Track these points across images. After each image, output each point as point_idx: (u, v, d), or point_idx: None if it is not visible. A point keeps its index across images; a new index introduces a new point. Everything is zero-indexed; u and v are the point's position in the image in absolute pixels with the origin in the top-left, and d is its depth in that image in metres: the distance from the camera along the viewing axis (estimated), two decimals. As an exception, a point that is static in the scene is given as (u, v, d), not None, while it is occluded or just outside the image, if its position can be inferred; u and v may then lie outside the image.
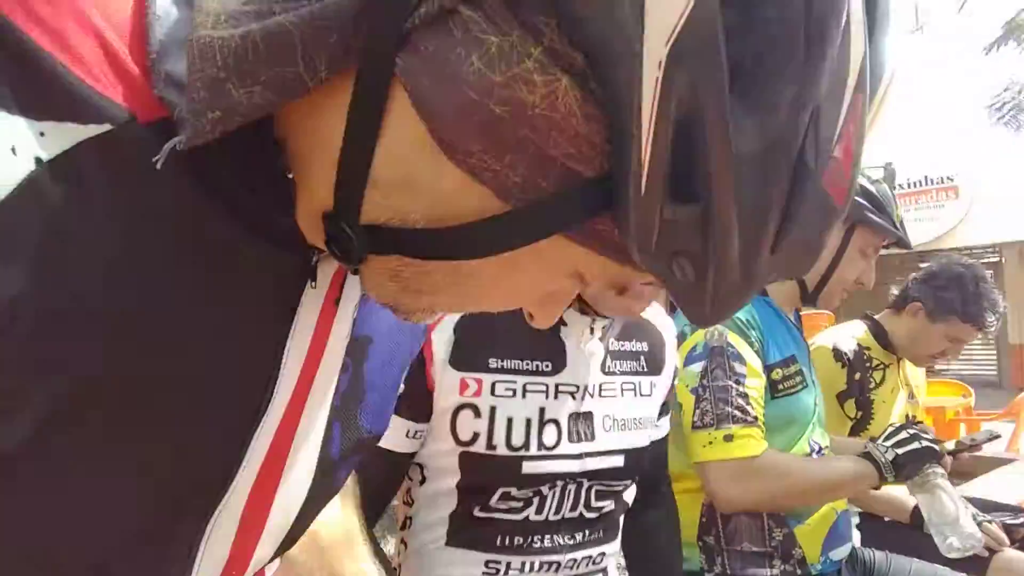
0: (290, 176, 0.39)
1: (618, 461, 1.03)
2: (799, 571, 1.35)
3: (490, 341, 0.98)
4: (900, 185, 12.49)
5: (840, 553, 1.42)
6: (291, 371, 0.45)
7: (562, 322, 1.03)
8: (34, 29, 0.33)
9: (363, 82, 0.35)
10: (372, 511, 0.93)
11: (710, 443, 1.27)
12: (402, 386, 0.70)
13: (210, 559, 0.46)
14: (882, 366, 1.99)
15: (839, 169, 0.33)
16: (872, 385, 1.97)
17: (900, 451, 1.32)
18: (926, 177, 12.20)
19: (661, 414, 1.16)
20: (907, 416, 2.03)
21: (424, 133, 0.34)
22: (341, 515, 0.70)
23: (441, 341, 0.96)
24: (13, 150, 0.32)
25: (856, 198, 1.40)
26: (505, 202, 0.35)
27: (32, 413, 0.34)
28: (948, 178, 12.02)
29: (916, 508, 1.77)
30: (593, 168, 0.34)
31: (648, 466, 1.12)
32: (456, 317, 0.98)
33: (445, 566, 0.99)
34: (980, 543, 1.28)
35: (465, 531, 0.99)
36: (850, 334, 2.01)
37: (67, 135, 0.33)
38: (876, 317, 2.05)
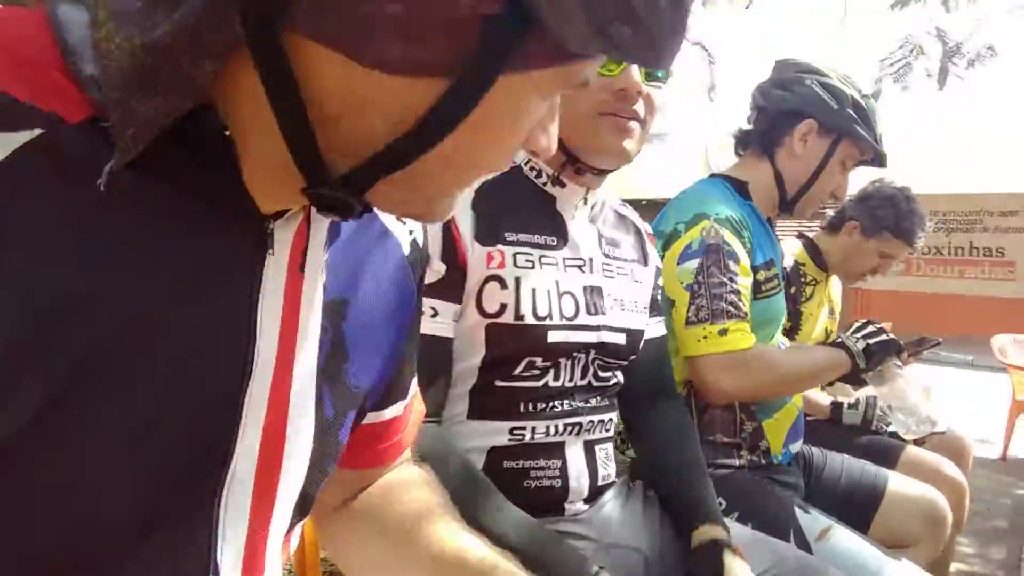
0: (233, 149, 0.41)
1: (621, 339, 1.07)
2: (763, 461, 1.43)
3: (503, 215, 0.99)
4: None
5: (796, 447, 1.51)
6: (269, 336, 0.47)
7: (553, 198, 1.05)
8: None
9: (259, 54, 0.37)
10: (435, 404, 0.94)
11: (705, 337, 1.29)
12: (439, 269, 0.89)
13: (232, 530, 0.48)
14: (813, 282, 2.12)
15: None
16: (803, 298, 2.09)
17: (870, 341, 1.40)
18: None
19: (653, 312, 1.17)
20: (827, 330, 2.18)
21: (345, 63, 0.38)
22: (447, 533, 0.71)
23: (464, 219, 0.96)
24: None
25: (847, 110, 1.43)
26: (446, 77, 0.38)
27: (28, 399, 0.37)
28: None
29: (833, 404, 1.92)
30: (499, 2, 0.36)
31: (652, 367, 1.17)
32: (471, 196, 0.97)
33: (469, 438, 0.98)
34: (935, 425, 1.39)
35: (486, 403, 0.99)
36: (788, 251, 2.11)
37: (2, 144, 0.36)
38: (812, 236, 2.16)
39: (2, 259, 0.36)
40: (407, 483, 0.73)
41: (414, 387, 0.70)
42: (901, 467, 1.73)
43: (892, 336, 1.44)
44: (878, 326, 1.45)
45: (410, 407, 0.70)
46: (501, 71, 0.39)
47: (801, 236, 2.20)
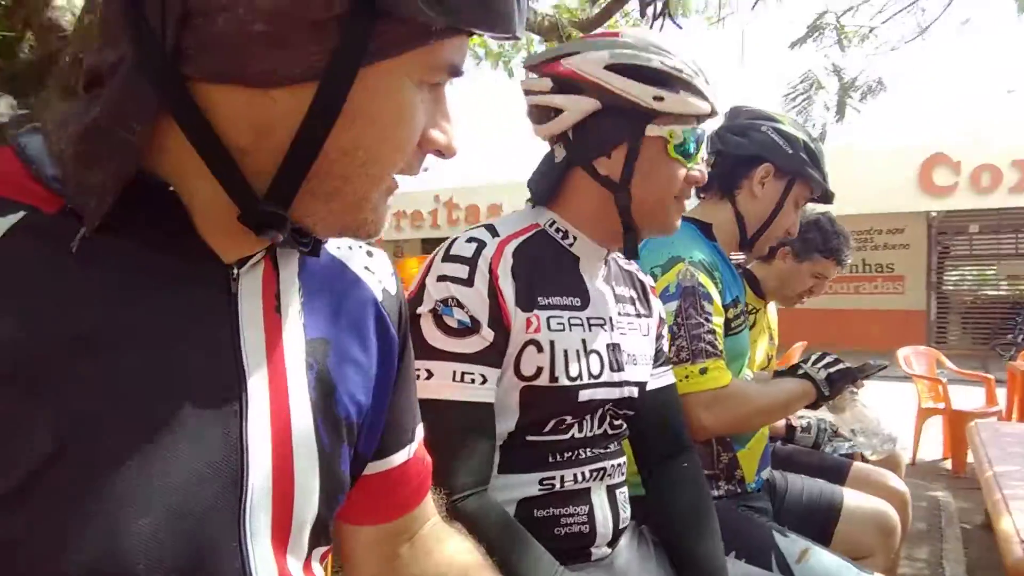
0: (181, 202, 0.48)
1: (635, 391, 1.12)
2: (739, 490, 1.52)
3: (535, 280, 1.03)
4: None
5: (766, 473, 1.62)
6: (257, 375, 0.52)
7: (577, 258, 1.10)
8: None
9: (173, 107, 0.46)
10: (484, 472, 0.96)
11: (687, 377, 1.36)
12: (488, 336, 0.95)
13: (261, 557, 0.51)
14: (754, 310, 2.24)
15: None
16: (746, 327, 2.22)
17: (831, 370, 1.50)
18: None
19: (660, 363, 1.23)
20: (768, 355, 2.32)
21: (243, 92, 0.45)
22: None
23: (507, 286, 0.99)
24: None
25: (800, 153, 1.56)
26: (317, 80, 0.46)
27: (47, 432, 0.41)
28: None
29: (788, 427, 2.04)
30: (348, 1, 0.44)
31: (664, 418, 1.22)
32: (510, 263, 1.01)
33: (500, 491, 1.01)
34: (895, 442, 1.51)
35: (516, 458, 1.02)
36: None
37: None
38: (748, 267, 2.30)
39: (7, 311, 0.42)
40: (444, 542, 0.75)
41: (420, 433, 0.72)
42: (851, 482, 1.86)
43: (849, 366, 1.55)
44: (835, 357, 1.56)
45: (420, 452, 0.72)
46: (360, 64, 0.46)
47: (738, 267, 2.34)
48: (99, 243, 0.45)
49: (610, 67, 1.01)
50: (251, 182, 0.48)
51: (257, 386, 0.52)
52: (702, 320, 1.39)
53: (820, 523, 1.64)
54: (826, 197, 1.73)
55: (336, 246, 0.64)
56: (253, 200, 0.48)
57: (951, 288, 14.83)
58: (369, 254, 0.66)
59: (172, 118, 0.46)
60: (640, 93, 1.01)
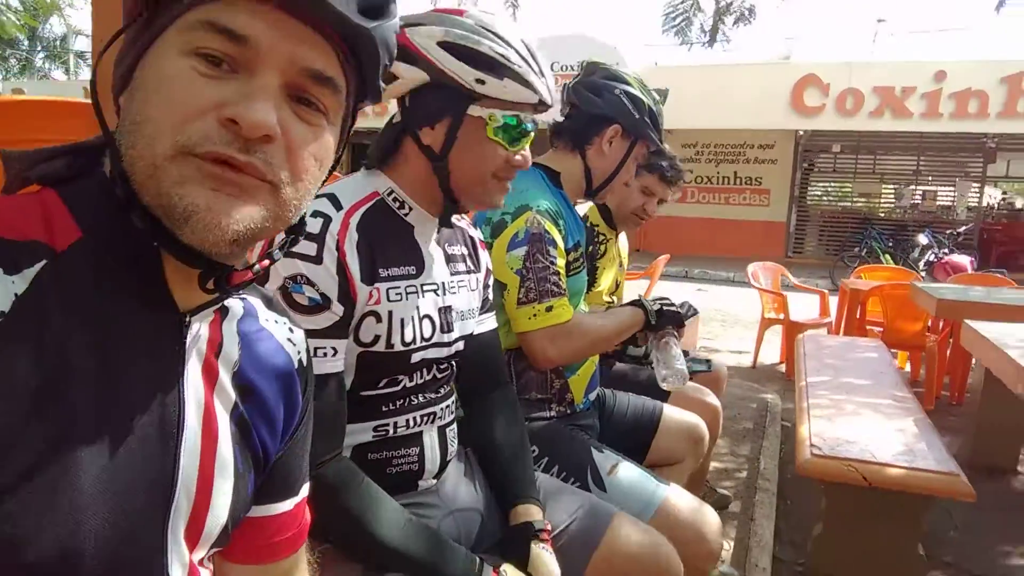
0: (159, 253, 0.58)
1: (461, 346, 1.24)
2: (569, 411, 1.71)
3: (376, 252, 1.09)
4: (570, 66, 13.97)
5: (594, 395, 1.82)
6: (193, 406, 0.62)
7: (412, 227, 1.18)
8: None
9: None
10: (334, 438, 1.03)
11: (535, 315, 1.51)
12: (338, 311, 1.03)
13: (175, 551, 0.62)
14: (605, 239, 2.43)
15: None
16: (598, 255, 2.40)
17: (664, 307, 1.75)
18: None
19: (486, 310, 1.35)
20: (616, 280, 2.53)
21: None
22: None
23: (353, 263, 1.06)
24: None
25: (645, 117, 1.70)
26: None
27: (37, 442, 0.50)
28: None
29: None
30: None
31: (485, 359, 1.34)
32: (355, 238, 1.07)
33: None
34: (685, 380, 1.74)
35: (352, 411, 1.10)
36: (583, 212, 2.40)
37: (24, 277, 0.52)
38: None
39: (37, 343, 0.51)
40: None
41: (305, 490, 0.80)
42: (673, 398, 2.12)
43: (680, 310, 1.78)
44: (669, 301, 1.78)
45: (301, 507, 0.80)
46: (138, 61, 0.57)
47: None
48: (86, 293, 0.54)
49: (441, 44, 1.07)
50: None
51: (192, 417, 0.62)
52: (547, 263, 1.53)
53: (641, 435, 1.89)
54: (660, 153, 1.93)
55: (265, 319, 0.73)
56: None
57: (811, 202, 15.93)
58: (291, 330, 0.76)
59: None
60: (463, 74, 1.08)
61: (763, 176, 15.16)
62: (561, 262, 1.58)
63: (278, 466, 0.75)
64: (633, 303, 1.78)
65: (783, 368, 5.42)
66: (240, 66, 0.56)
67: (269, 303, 0.76)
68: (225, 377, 0.66)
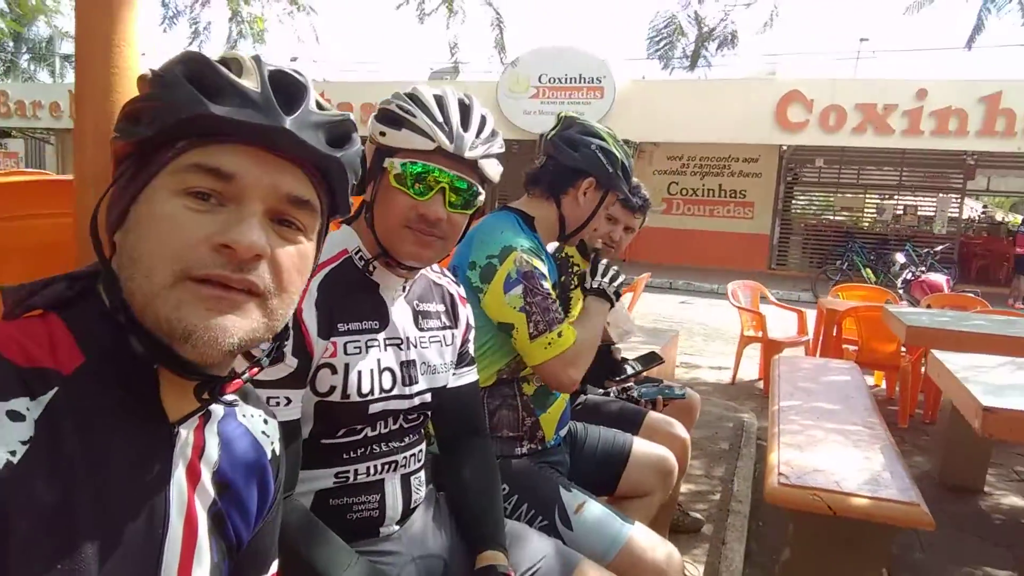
0: (154, 373, 0.64)
1: (429, 397, 1.29)
2: (540, 447, 1.77)
3: (336, 308, 1.16)
4: (557, 79, 14.12)
5: (564, 431, 1.89)
6: (177, 505, 0.68)
7: (377, 284, 1.24)
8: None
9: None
10: (288, 480, 1.08)
11: (549, 344, 1.61)
12: (292, 364, 1.09)
13: None
14: (579, 269, 2.49)
15: None
16: (571, 285, 2.46)
17: (615, 284, 1.87)
18: (580, 75, 13.89)
19: (464, 364, 1.41)
20: None
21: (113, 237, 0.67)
22: None
23: (310, 317, 1.12)
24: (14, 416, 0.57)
25: (617, 171, 1.80)
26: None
27: (48, 551, 0.56)
28: (597, 79, 13.84)
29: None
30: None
31: (463, 411, 1.40)
32: (315, 296, 1.14)
33: (299, 483, 1.15)
34: (631, 335, 1.86)
35: (312, 457, 1.16)
36: (554, 247, 2.47)
37: (40, 403, 0.58)
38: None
39: (53, 465, 0.57)
40: None
41: (275, 566, 0.86)
42: (644, 431, 2.19)
43: (624, 278, 1.94)
44: (616, 269, 1.92)
45: None
46: (132, 201, 0.65)
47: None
48: (92, 414, 0.60)
49: (375, 114, 1.22)
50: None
51: (175, 516, 0.68)
52: (544, 295, 1.62)
53: (611, 468, 1.95)
54: (627, 202, 2.13)
55: (243, 415, 0.80)
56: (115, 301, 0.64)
57: (795, 215, 16.12)
58: (265, 422, 0.83)
59: None
60: (373, 129, 1.20)
61: (747, 189, 15.33)
62: (552, 293, 1.67)
63: (251, 546, 0.81)
64: (593, 293, 1.87)
65: (762, 385, 5.50)
66: (227, 199, 0.64)
67: (246, 397, 0.82)
68: (206, 477, 0.73)
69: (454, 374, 1.38)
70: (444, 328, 1.35)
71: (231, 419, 0.78)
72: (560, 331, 1.63)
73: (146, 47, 1.07)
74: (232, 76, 0.65)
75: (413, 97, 1.20)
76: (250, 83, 0.65)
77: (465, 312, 1.43)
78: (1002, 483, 3.80)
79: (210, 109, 0.62)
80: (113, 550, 0.61)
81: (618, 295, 1.88)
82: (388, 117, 1.19)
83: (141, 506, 0.65)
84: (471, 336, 1.45)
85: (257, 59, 0.68)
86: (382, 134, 1.18)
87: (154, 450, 0.67)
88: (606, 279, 1.87)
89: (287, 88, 0.67)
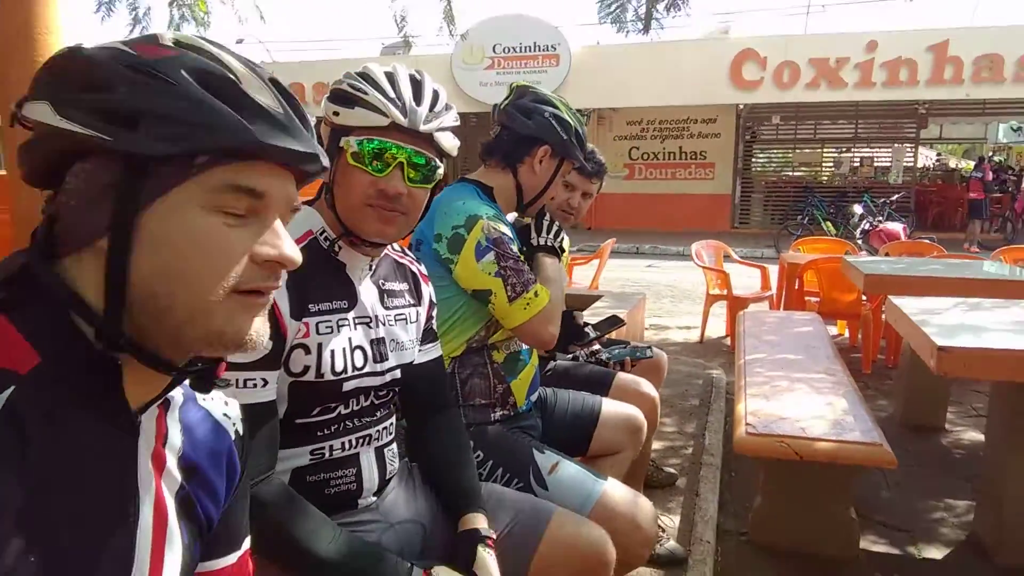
0: (116, 365, 0.64)
1: (398, 373, 1.32)
2: (512, 412, 1.80)
3: (307, 288, 1.17)
4: (512, 48, 14.00)
5: (535, 396, 1.92)
6: (146, 491, 0.69)
7: (344, 264, 1.26)
8: None
9: (56, 284, 0.64)
10: (268, 459, 1.10)
11: (527, 304, 1.64)
12: (269, 345, 1.04)
13: None
14: None
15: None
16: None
17: (559, 239, 1.91)
18: (535, 44, 13.80)
19: (428, 340, 1.43)
20: None
21: (84, 259, 0.64)
22: None
23: (283, 299, 1.13)
24: None
25: (572, 138, 1.81)
26: (106, 234, 0.62)
27: (17, 551, 0.55)
28: (552, 46, 13.76)
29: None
30: (118, 168, 0.61)
31: (430, 385, 1.43)
32: (284, 278, 1.13)
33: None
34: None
35: (288, 437, 1.17)
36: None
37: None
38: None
39: (19, 465, 0.56)
40: None
41: (247, 543, 0.86)
42: (613, 391, 2.23)
43: (560, 228, 1.94)
44: (557, 225, 1.93)
45: (244, 558, 0.86)
46: (138, 211, 0.61)
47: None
48: (52, 412, 0.59)
49: (327, 96, 1.21)
50: (102, 318, 0.62)
51: (145, 501, 0.69)
52: (515, 258, 1.65)
53: (582, 429, 1.99)
54: (583, 169, 2.13)
55: (202, 399, 0.80)
56: (111, 333, 0.63)
57: (755, 173, 16.31)
58: (226, 403, 0.83)
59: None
60: (327, 110, 1.21)
61: (707, 150, 15.45)
62: (521, 256, 1.70)
63: (220, 524, 0.82)
64: (542, 250, 1.87)
65: (729, 341, 5.62)
66: (253, 212, 0.66)
67: None
68: (172, 463, 0.74)
69: (420, 350, 1.40)
70: (409, 306, 1.37)
71: (191, 404, 0.79)
72: (536, 291, 1.66)
73: (82, 36, 1.04)
74: (250, 92, 0.64)
75: (364, 75, 1.20)
76: (268, 100, 0.65)
77: (427, 290, 1.45)
78: (961, 420, 3.95)
79: (258, 139, 0.63)
80: (86, 542, 0.62)
81: (562, 249, 1.92)
82: (340, 97, 1.19)
83: (111, 496, 0.66)
84: (434, 313, 1.47)
85: (259, 69, 0.68)
86: (335, 114, 1.18)
87: (119, 441, 0.68)
88: (551, 235, 1.90)
89: (292, 100, 0.69)
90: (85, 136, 0.59)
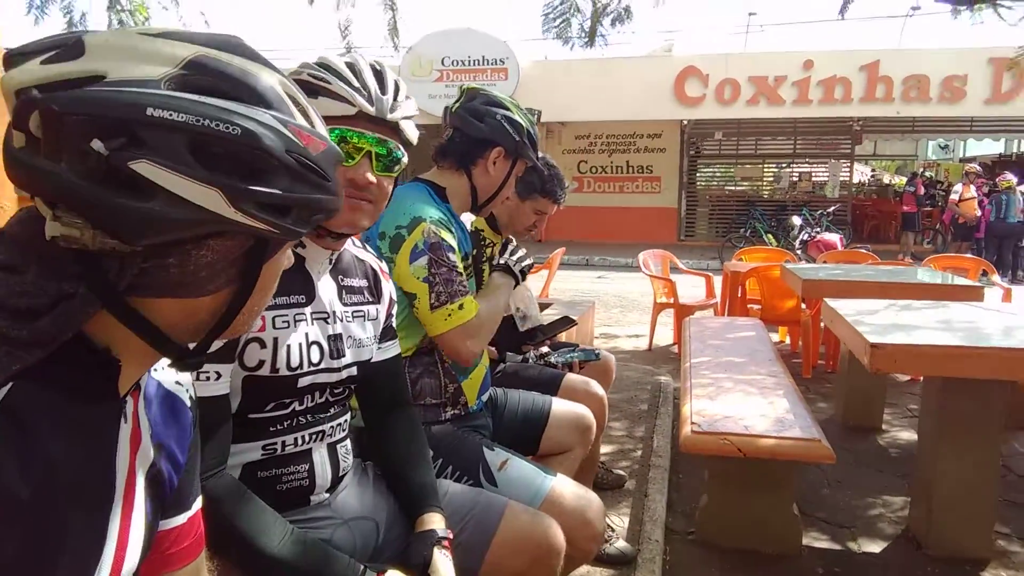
0: (117, 363, 0.66)
1: (354, 371, 1.31)
2: (463, 412, 1.81)
3: None
4: (460, 61, 14.08)
5: (486, 396, 1.92)
6: (120, 474, 0.71)
7: (303, 258, 1.25)
8: None
9: (115, 312, 0.63)
10: (222, 452, 1.09)
11: (449, 315, 1.62)
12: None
13: None
14: (491, 244, 2.52)
15: None
16: (484, 259, 2.50)
17: (523, 264, 1.96)
18: (483, 57, 13.92)
19: (387, 338, 1.42)
20: None
21: (172, 302, 0.64)
22: None
23: None
24: None
25: (523, 139, 1.83)
26: (236, 283, 0.67)
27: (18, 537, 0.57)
28: (500, 60, 13.90)
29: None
30: (250, 241, 0.65)
31: (387, 384, 1.42)
32: None
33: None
34: (531, 320, 1.94)
35: (240, 431, 1.16)
36: (469, 219, 2.50)
37: None
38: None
39: (23, 457, 0.57)
40: None
41: (198, 504, 0.88)
42: (563, 392, 2.26)
43: (529, 258, 2.01)
44: (523, 251, 2.00)
45: (196, 519, 0.87)
46: (260, 267, 0.68)
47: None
48: (48, 402, 0.60)
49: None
50: (175, 340, 0.66)
51: (119, 483, 0.70)
52: (450, 267, 1.64)
53: (532, 428, 2.01)
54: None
55: (154, 370, 0.80)
56: (178, 352, 0.67)
57: (700, 187, 16.69)
58: (177, 372, 0.84)
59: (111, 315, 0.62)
60: None
61: (653, 164, 15.76)
62: (460, 266, 1.69)
63: (175, 489, 0.82)
64: (500, 268, 1.96)
65: (676, 349, 5.72)
66: None
67: None
68: (146, 441, 0.75)
69: (379, 348, 1.39)
70: (367, 303, 1.36)
71: (148, 379, 0.79)
72: (462, 303, 1.65)
73: (11, 41, 1.01)
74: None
75: (324, 65, 1.19)
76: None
77: (388, 287, 1.44)
78: (897, 420, 4.10)
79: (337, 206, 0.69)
80: (71, 525, 0.63)
81: (524, 274, 1.94)
82: (301, 87, 1.18)
83: (95, 480, 0.67)
84: (394, 311, 1.46)
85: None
86: None
87: (108, 427, 0.69)
88: (513, 257, 1.94)
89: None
90: (256, 229, 0.62)
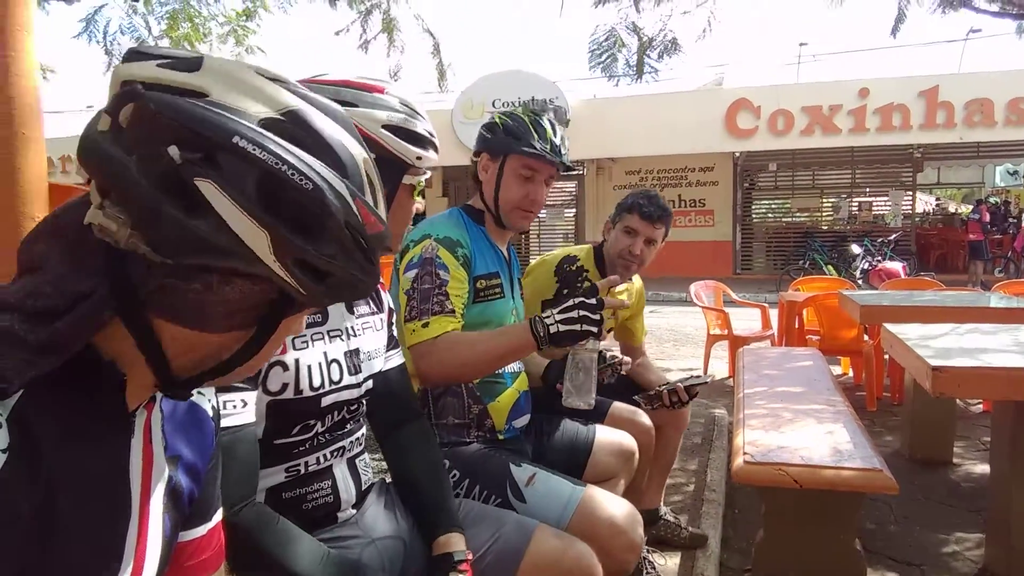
0: (123, 379, 0.66)
1: (370, 384, 1.32)
2: (489, 436, 1.77)
3: None
4: (510, 103, 14.31)
5: (521, 422, 1.88)
6: (136, 486, 0.71)
7: None
8: None
9: (133, 327, 0.62)
10: (249, 484, 1.09)
11: (414, 331, 1.59)
12: None
13: None
14: (585, 279, 2.45)
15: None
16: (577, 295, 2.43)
17: (562, 328, 1.49)
18: (532, 98, 14.13)
19: (391, 347, 1.43)
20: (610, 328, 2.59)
21: (183, 330, 0.63)
22: None
23: None
24: None
25: (499, 135, 1.79)
26: (251, 328, 0.66)
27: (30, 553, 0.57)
28: (550, 100, 14.08)
29: (546, 369, 2.16)
30: (275, 292, 0.64)
31: (394, 394, 1.41)
32: None
33: None
34: (590, 406, 1.73)
35: (264, 457, 1.15)
36: (576, 253, 2.49)
37: (7, 406, 0.57)
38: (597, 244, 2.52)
39: (31, 471, 0.57)
40: None
41: (218, 516, 0.87)
42: (609, 419, 2.20)
43: (593, 322, 1.49)
44: (579, 302, 1.51)
45: (215, 531, 0.86)
46: (279, 320, 0.67)
47: (593, 242, 2.56)
48: (56, 415, 0.60)
49: (386, 127, 1.22)
50: (172, 369, 0.66)
51: (136, 495, 0.70)
52: (434, 284, 1.61)
53: (578, 455, 1.96)
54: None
55: None
56: (173, 382, 0.67)
57: (755, 220, 16.41)
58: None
59: (124, 326, 0.62)
60: (406, 152, 1.24)
61: (706, 198, 15.58)
62: (456, 284, 1.64)
63: (195, 500, 0.82)
64: (534, 320, 1.54)
65: (731, 382, 5.56)
66: None
67: None
68: (159, 456, 0.75)
69: (385, 357, 1.40)
70: (372, 313, 1.38)
71: None
72: (428, 322, 1.57)
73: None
74: None
75: (422, 116, 1.30)
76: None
77: (385, 296, 1.46)
78: (968, 453, 3.88)
79: None
80: (84, 539, 0.63)
81: (556, 339, 1.51)
82: (419, 139, 1.28)
83: (108, 494, 0.67)
84: (393, 320, 1.47)
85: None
86: (419, 158, 1.28)
87: (117, 441, 0.69)
88: (557, 313, 1.52)
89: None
90: (285, 283, 0.61)
